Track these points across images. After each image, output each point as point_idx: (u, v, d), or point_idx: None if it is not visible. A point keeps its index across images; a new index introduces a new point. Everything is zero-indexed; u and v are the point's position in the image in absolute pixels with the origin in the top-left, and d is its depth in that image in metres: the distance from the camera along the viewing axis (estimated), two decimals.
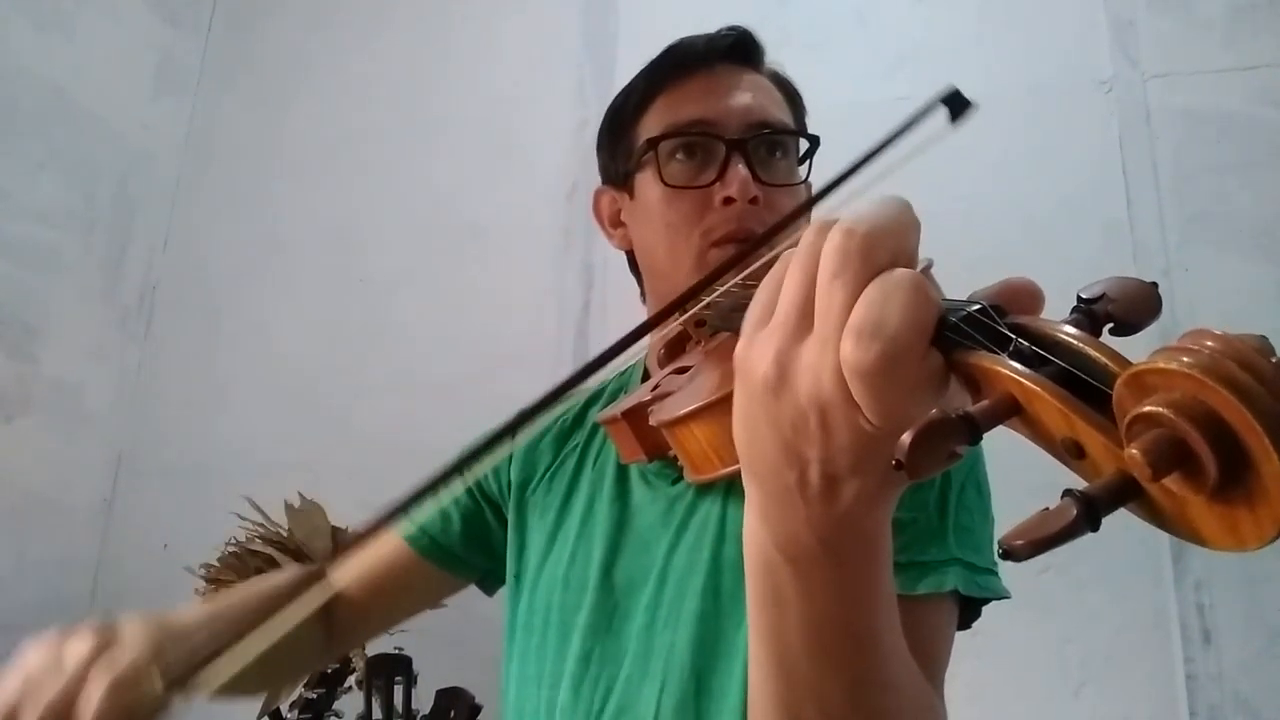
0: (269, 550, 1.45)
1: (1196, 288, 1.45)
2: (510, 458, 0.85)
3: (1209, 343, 0.20)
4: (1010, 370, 0.26)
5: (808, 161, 0.78)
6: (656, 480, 0.74)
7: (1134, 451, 0.20)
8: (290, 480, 1.57)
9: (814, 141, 0.77)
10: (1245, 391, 0.19)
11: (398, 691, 1.37)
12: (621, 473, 0.77)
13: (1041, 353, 0.27)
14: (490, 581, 0.87)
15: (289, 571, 0.84)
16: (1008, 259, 1.59)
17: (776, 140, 0.74)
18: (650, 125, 0.76)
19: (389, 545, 0.85)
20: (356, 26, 2.10)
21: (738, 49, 0.77)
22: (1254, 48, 1.53)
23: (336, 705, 1.38)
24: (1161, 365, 0.21)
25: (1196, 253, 1.47)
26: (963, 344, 0.29)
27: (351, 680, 1.39)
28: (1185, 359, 0.20)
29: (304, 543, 1.47)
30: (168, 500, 1.86)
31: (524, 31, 1.97)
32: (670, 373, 0.61)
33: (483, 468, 0.41)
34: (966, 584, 0.60)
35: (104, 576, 1.85)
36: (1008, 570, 0.64)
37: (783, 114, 0.77)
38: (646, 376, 0.83)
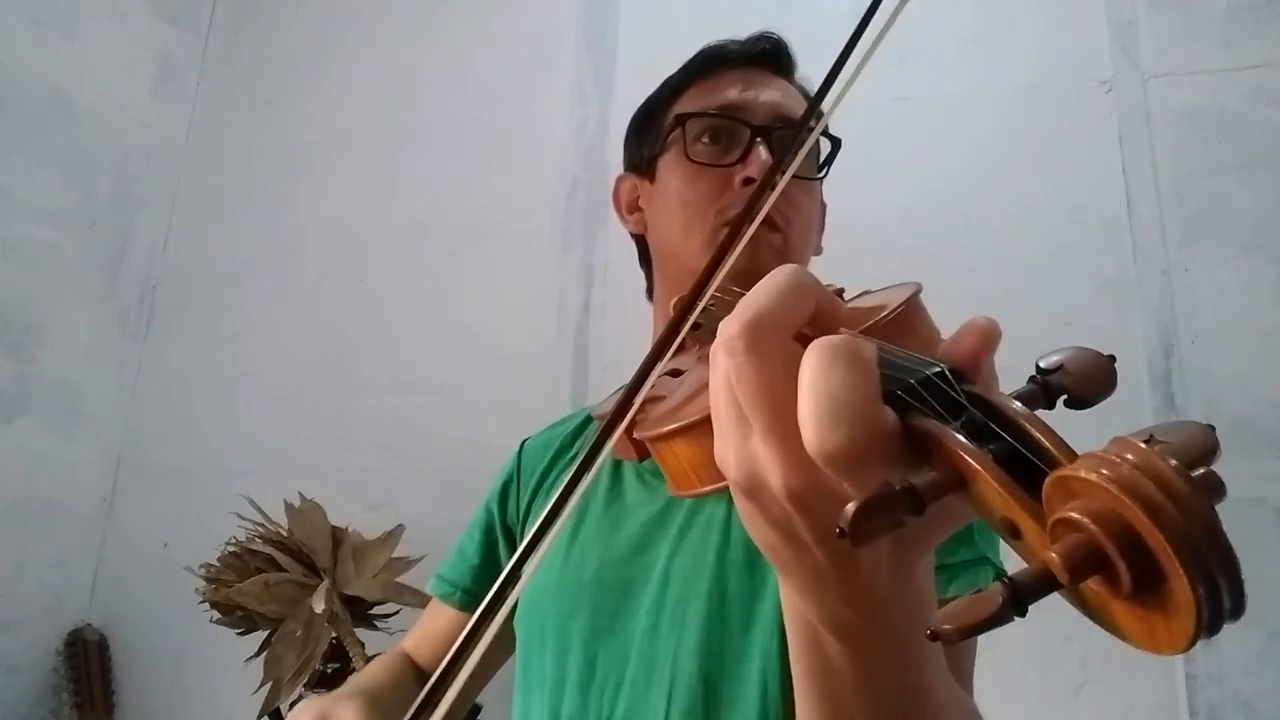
0: (269, 550, 1.45)
1: (1196, 288, 1.45)
2: (521, 487, 0.85)
3: (1129, 456, 0.21)
4: (957, 445, 0.26)
5: (827, 167, 0.80)
6: (652, 479, 0.73)
7: (1053, 555, 0.22)
8: (290, 480, 1.57)
9: (835, 143, 0.79)
10: (1157, 511, 0.20)
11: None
12: (616, 473, 0.77)
13: (993, 426, 0.27)
14: None
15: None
16: (1007, 259, 1.60)
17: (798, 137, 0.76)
18: (681, 108, 0.78)
19: (442, 617, 0.88)
20: (357, 27, 2.11)
21: (772, 56, 0.80)
22: (1254, 48, 1.53)
23: None
24: (1084, 475, 0.22)
25: (1196, 253, 1.47)
26: (917, 408, 0.29)
27: None
28: (1105, 471, 0.21)
29: (304, 542, 1.47)
30: (168, 500, 1.86)
31: (524, 31, 1.98)
32: (665, 374, 0.61)
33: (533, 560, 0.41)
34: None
35: (104, 576, 1.85)
36: (1011, 569, 0.64)
37: None
38: None
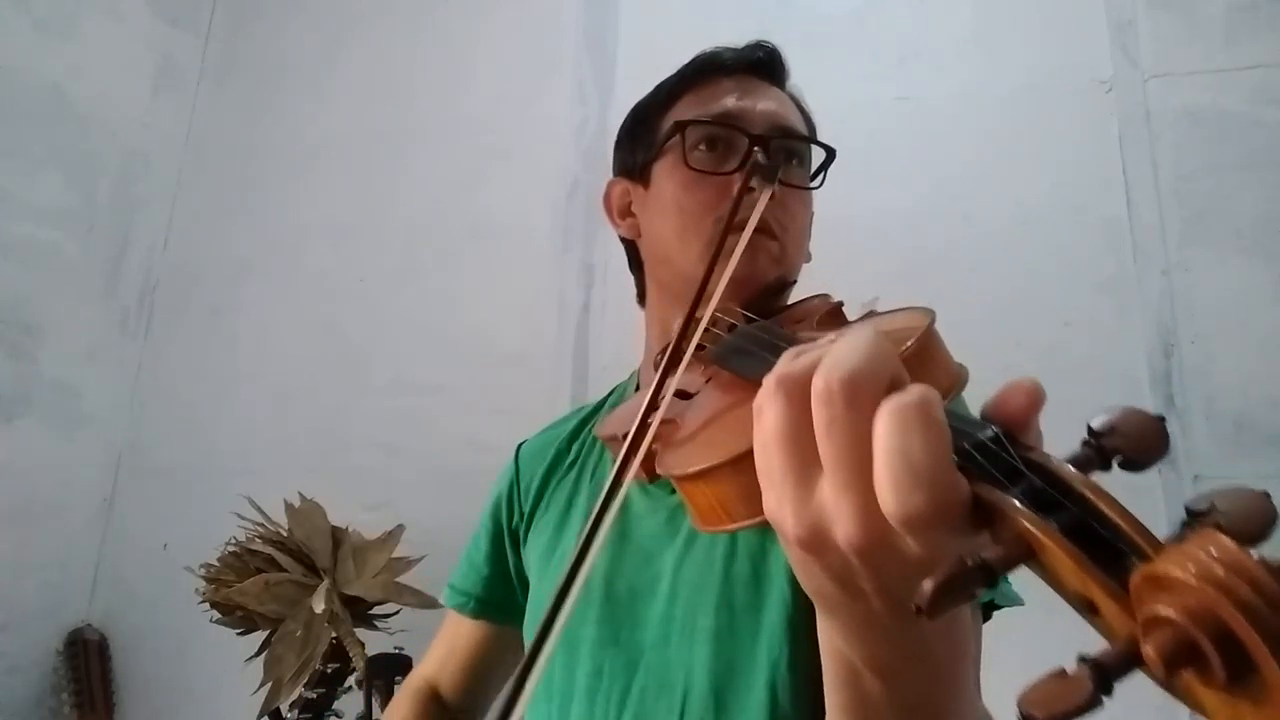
0: (269, 550, 1.45)
1: (1196, 288, 1.45)
2: (521, 494, 0.86)
3: (1216, 553, 0.22)
4: (1025, 517, 0.27)
5: (821, 175, 0.79)
6: (656, 490, 0.74)
7: (1150, 650, 0.23)
8: (290, 480, 1.57)
9: (830, 153, 0.79)
10: (1253, 611, 0.21)
11: (398, 691, 1.37)
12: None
13: (1054, 494, 0.27)
14: None
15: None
16: (1007, 259, 1.60)
17: (795, 148, 0.77)
18: (678, 115, 0.78)
19: (463, 631, 0.90)
20: (357, 27, 2.11)
21: (766, 64, 0.79)
22: (1254, 48, 1.53)
23: (336, 705, 1.39)
24: (1178, 575, 0.23)
25: (1196, 253, 1.47)
26: (975, 472, 0.29)
27: (351, 680, 1.39)
28: (1197, 571, 0.22)
29: (304, 542, 1.47)
30: (168, 500, 1.86)
31: (524, 31, 1.98)
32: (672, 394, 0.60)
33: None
34: (1000, 595, 0.61)
35: (104, 576, 1.85)
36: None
37: (801, 127, 0.79)
38: (639, 385, 0.83)
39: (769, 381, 0.34)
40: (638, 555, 0.72)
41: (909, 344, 0.40)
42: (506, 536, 0.86)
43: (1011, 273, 1.53)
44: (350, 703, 1.38)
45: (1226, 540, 0.23)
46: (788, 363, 0.35)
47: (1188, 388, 1.41)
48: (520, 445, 0.91)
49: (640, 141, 0.82)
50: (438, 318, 1.83)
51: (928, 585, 0.25)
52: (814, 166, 0.80)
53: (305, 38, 2.14)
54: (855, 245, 1.40)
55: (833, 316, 0.64)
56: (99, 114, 1.91)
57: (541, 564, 0.78)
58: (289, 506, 1.51)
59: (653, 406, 0.49)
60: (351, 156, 2.00)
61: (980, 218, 1.57)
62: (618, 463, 0.46)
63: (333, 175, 2.00)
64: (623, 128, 0.86)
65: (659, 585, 0.69)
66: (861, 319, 0.61)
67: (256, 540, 1.47)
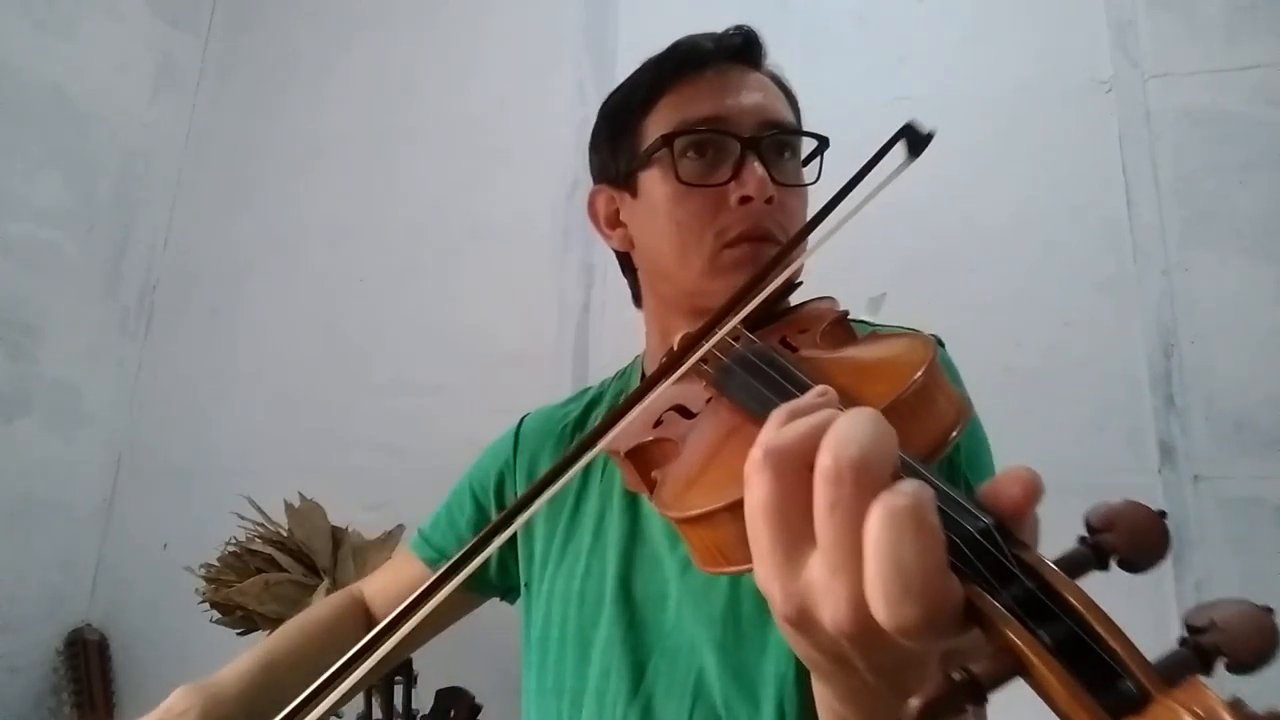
0: (269, 550, 1.45)
1: (1196, 288, 1.46)
2: (516, 470, 0.85)
3: (1200, 713, 0.22)
4: (1015, 631, 0.26)
5: (815, 161, 0.77)
6: None
7: None
8: (290, 480, 1.57)
9: (823, 142, 0.76)
10: None
11: (398, 691, 1.37)
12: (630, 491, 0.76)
13: (1047, 603, 0.26)
14: (512, 594, 0.87)
15: (338, 615, 0.89)
16: (1007, 259, 1.60)
17: (786, 141, 0.73)
18: (659, 122, 0.74)
19: (411, 570, 0.88)
20: (356, 27, 2.10)
21: (744, 50, 0.76)
22: (1254, 48, 1.53)
23: None
24: None
25: (1196, 253, 1.47)
26: (966, 572, 0.28)
27: None
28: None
29: (304, 542, 1.47)
30: (168, 500, 1.86)
31: (524, 31, 1.98)
32: (672, 408, 0.58)
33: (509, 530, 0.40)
34: None
35: (104, 576, 1.85)
36: None
37: (788, 114, 0.76)
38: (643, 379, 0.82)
39: (755, 453, 0.33)
40: (650, 559, 0.71)
41: (914, 380, 0.39)
42: (494, 506, 0.85)
43: (1011, 273, 1.53)
44: (349, 702, 1.38)
45: (1213, 700, 0.22)
46: (775, 430, 0.33)
47: (1188, 388, 1.41)
48: (525, 416, 0.89)
49: (622, 148, 0.77)
50: (438, 318, 1.83)
51: (914, 704, 0.25)
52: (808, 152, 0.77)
53: (305, 38, 2.14)
54: (855, 245, 1.40)
55: (837, 328, 0.62)
56: (99, 114, 1.91)
57: (555, 563, 0.78)
58: (289, 506, 1.51)
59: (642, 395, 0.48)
60: (351, 156, 2.00)
61: (980, 218, 1.57)
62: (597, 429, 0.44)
63: (333, 175, 2.00)
64: (598, 130, 0.82)
65: (668, 591, 0.69)
66: (865, 339, 0.60)
67: (256, 540, 1.47)
